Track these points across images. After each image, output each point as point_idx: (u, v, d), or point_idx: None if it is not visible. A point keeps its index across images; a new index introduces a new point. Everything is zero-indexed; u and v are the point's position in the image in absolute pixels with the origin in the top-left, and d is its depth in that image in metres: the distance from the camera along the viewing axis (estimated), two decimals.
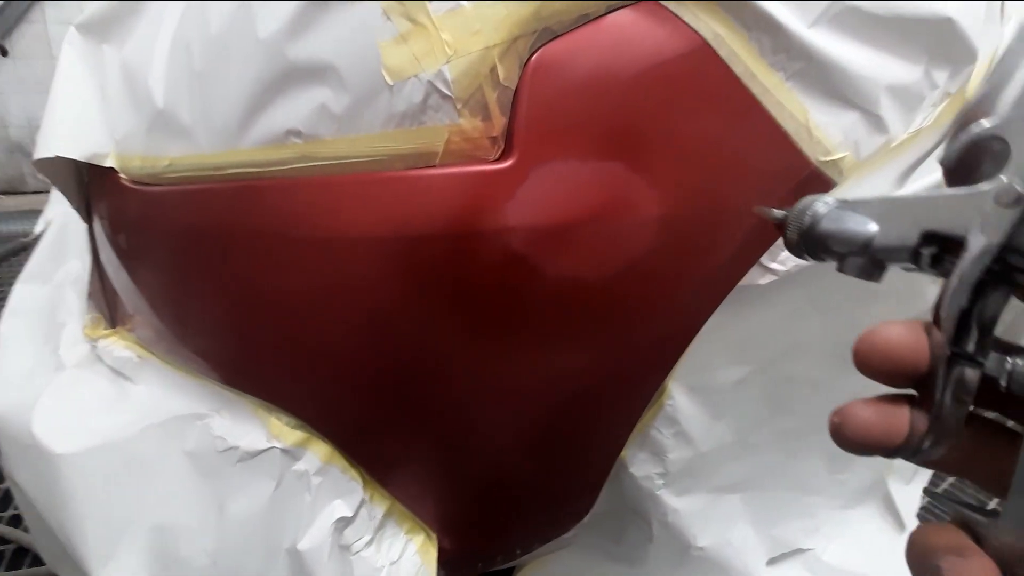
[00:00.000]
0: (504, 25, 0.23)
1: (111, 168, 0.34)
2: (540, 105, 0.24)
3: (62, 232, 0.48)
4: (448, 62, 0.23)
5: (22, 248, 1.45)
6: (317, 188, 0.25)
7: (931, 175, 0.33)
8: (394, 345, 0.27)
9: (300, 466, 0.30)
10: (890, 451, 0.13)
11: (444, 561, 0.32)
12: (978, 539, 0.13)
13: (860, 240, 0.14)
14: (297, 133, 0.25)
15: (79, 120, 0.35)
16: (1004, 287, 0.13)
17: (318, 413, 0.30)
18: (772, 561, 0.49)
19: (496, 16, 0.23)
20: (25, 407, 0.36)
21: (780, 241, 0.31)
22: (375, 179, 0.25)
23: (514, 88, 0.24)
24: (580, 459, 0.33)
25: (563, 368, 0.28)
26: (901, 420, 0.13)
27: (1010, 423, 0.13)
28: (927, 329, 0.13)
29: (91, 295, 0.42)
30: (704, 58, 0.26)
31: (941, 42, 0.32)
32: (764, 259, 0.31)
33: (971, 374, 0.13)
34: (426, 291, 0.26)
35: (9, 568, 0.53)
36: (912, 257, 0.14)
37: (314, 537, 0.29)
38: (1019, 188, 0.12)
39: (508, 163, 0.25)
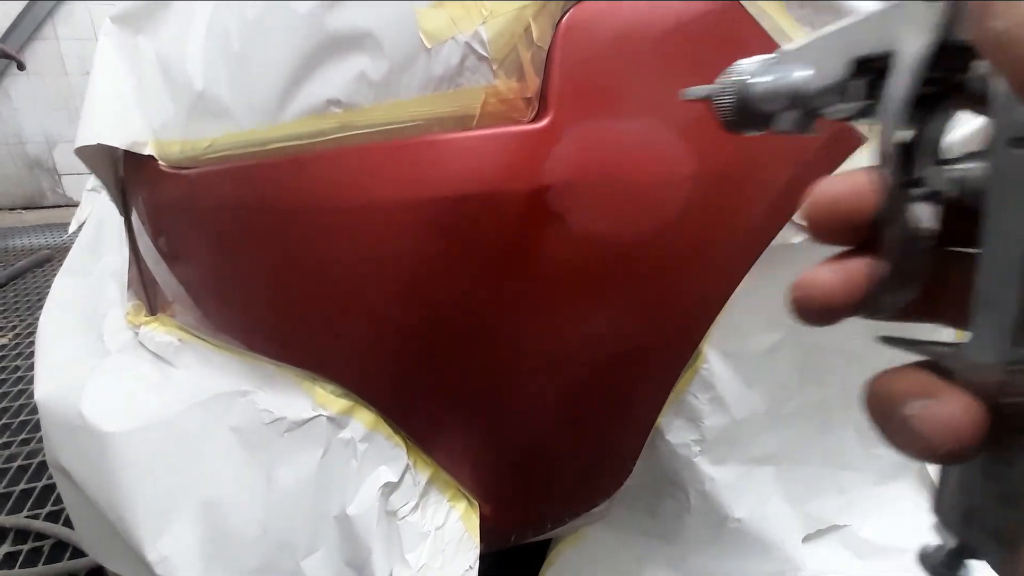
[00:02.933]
0: None
1: (149, 157, 0.35)
2: (573, 64, 0.25)
3: (99, 228, 0.49)
4: (484, 23, 0.23)
5: (46, 260, 1.49)
6: (358, 156, 0.26)
7: None
8: (436, 307, 0.27)
9: (346, 433, 0.30)
10: (855, 308, 0.12)
11: (482, 529, 0.33)
12: (949, 376, 0.11)
13: (791, 88, 0.12)
14: (337, 103, 0.26)
15: (117, 110, 0.36)
16: (945, 101, 0.11)
17: (363, 379, 0.30)
18: (808, 538, 0.49)
19: None
20: (73, 391, 0.37)
21: None
22: (414, 144, 0.25)
23: (548, 48, 0.25)
24: (617, 423, 0.33)
25: (600, 329, 0.29)
26: (860, 271, 0.11)
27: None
28: (869, 172, 0.11)
29: (130, 284, 0.43)
30: (732, 14, 0.26)
31: None
32: (797, 216, 0.31)
33: (925, 205, 0.11)
34: (467, 251, 0.26)
35: (48, 562, 0.54)
36: (842, 93, 0.12)
37: (362, 502, 0.29)
38: None
39: (543, 123, 0.25)
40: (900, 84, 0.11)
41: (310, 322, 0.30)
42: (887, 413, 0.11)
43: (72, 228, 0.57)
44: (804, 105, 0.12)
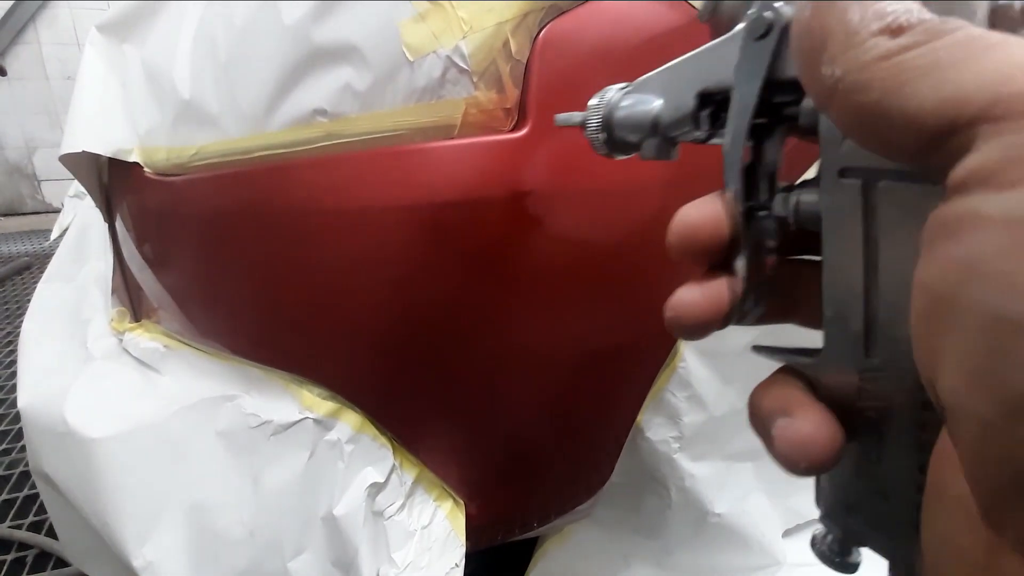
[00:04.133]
0: (515, 2, 0.25)
1: (135, 164, 0.36)
2: (550, 76, 0.26)
3: (82, 234, 0.49)
4: (464, 37, 0.25)
5: (26, 267, 1.46)
6: (343, 164, 0.27)
7: None
8: (420, 311, 0.28)
9: (332, 435, 0.31)
10: (722, 322, 0.13)
11: (468, 528, 0.33)
12: (812, 384, 0.12)
13: (648, 120, 0.13)
14: (323, 112, 0.27)
15: (102, 117, 0.36)
16: (779, 128, 0.12)
17: (349, 382, 0.31)
18: (788, 532, 0.50)
19: None
20: (56, 397, 0.37)
21: None
22: (398, 152, 0.26)
23: (526, 61, 0.26)
24: (599, 422, 0.34)
25: (581, 330, 0.30)
26: (722, 290, 0.13)
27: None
28: (720, 196, 0.13)
29: (114, 291, 0.43)
30: (701, 29, 0.27)
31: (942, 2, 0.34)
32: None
33: (769, 224, 0.13)
34: (449, 256, 0.27)
35: (31, 572, 0.53)
36: (694, 122, 0.13)
37: (349, 503, 0.30)
38: (767, 15, 0.11)
39: (522, 132, 0.26)
40: (738, 119, 0.12)
41: (296, 326, 0.31)
42: (762, 430, 0.12)
43: (54, 234, 0.56)
44: (661, 134, 0.14)
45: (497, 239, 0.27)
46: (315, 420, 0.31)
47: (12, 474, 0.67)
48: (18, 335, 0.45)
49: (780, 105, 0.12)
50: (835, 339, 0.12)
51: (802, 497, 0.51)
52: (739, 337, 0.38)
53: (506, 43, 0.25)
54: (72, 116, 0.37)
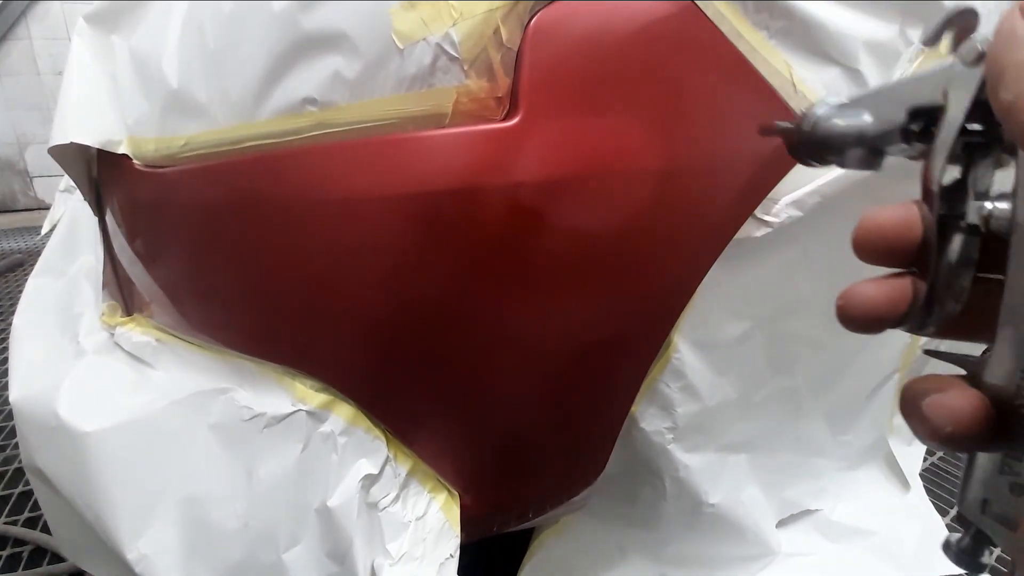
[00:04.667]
0: None
1: (124, 156, 0.35)
2: (541, 65, 0.26)
3: (72, 228, 0.49)
4: (455, 24, 0.24)
5: (18, 264, 1.45)
6: (333, 153, 0.27)
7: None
8: (412, 300, 0.28)
9: (326, 428, 0.31)
10: (896, 321, 0.13)
11: (463, 520, 0.33)
12: (977, 384, 0.13)
13: (856, 131, 0.15)
14: (312, 101, 0.26)
15: (91, 109, 0.36)
16: (993, 151, 0.13)
17: (342, 374, 0.31)
18: (782, 523, 0.51)
19: None
20: (49, 392, 0.36)
21: (772, 194, 0.33)
22: (389, 141, 0.26)
23: (517, 49, 0.25)
24: (593, 412, 0.34)
25: (574, 320, 0.30)
26: (904, 290, 0.13)
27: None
28: (918, 204, 0.13)
29: (106, 285, 0.43)
30: (692, 18, 0.27)
31: (915, 2, 0.34)
32: (758, 212, 0.33)
33: (969, 238, 0.13)
34: (440, 246, 0.27)
35: (27, 568, 0.53)
36: (904, 136, 0.14)
37: (343, 495, 0.30)
38: (979, 46, 0.12)
39: (514, 121, 0.26)
40: (945, 136, 0.13)
41: (289, 318, 0.31)
42: (911, 407, 0.13)
43: (45, 229, 0.56)
44: (868, 144, 0.15)
45: (489, 228, 0.26)
46: (308, 412, 0.31)
47: (7, 470, 0.66)
48: (10, 331, 0.45)
49: (988, 127, 0.13)
50: (1005, 339, 0.12)
51: (796, 489, 0.51)
52: (732, 328, 0.38)
53: (497, 31, 0.25)
54: (61, 108, 0.37)
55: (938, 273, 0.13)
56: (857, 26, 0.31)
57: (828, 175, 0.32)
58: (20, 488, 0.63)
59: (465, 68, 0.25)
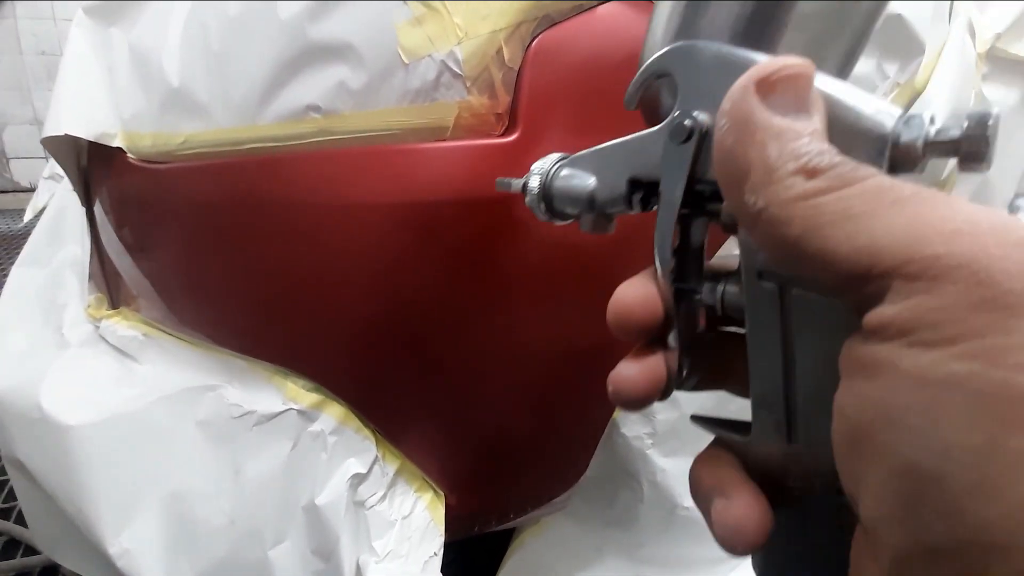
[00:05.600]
0: (510, 11, 0.26)
1: (117, 150, 0.35)
2: (541, 85, 0.27)
3: (58, 217, 0.48)
4: (459, 43, 0.25)
5: None
6: (335, 160, 0.27)
7: None
8: (405, 306, 0.29)
9: (316, 427, 0.31)
10: (660, 395, 0.14)
11: (447, 519, 0.34)
12: (747, 461, 0.13)
13: (584, 197, 0.15)
14: (316, 108, 0.27)
15: (87, 101, 0.36)
16: (703, 216, 0.13)
17: (334, 374, 0.31)
18: None
19: (503, 3, 0.25)
20: (31, 384, 0.36)
21: None
22: (390, 151, 0.27)
23: (517, 69, 0.26)
24: (577, 417, 0.35)
25: (560, 327, 0.31)
26: (659, 367, 0.14)
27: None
28: (653, 277, 0.14)
29: (92, 277, 0.43)
30: None
31: (892, 37, 0.36)
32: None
33: (699, 304, 0.14)
34: (436, 254, 0.28)
35: (1, 559, 0.52)
36: (627, 204, 0.14)
37: (331, 493, 0.30)
38: (687, 123, 0.12)
39: (512, 137, 0.27)
40: (665, 212, 0.13)
41: (282, 319, 0.31)
42: (703, 506, 0.13)
43: (28, 216, 0.55)
44: (597, 210, 0.15)
45: (482, 239, 0.27)
46: (299, 411, 0.31)
47: None
48: None
49: (703, 198, 0.13)
50: (761, 423, 0.12)
51: None
52: None
53: (499, 51, 0.26)
54: (56, 98, 0.37)
55: (682, 343, 0.14)
56: None
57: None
58: None
59: (467, 85, 0.26)
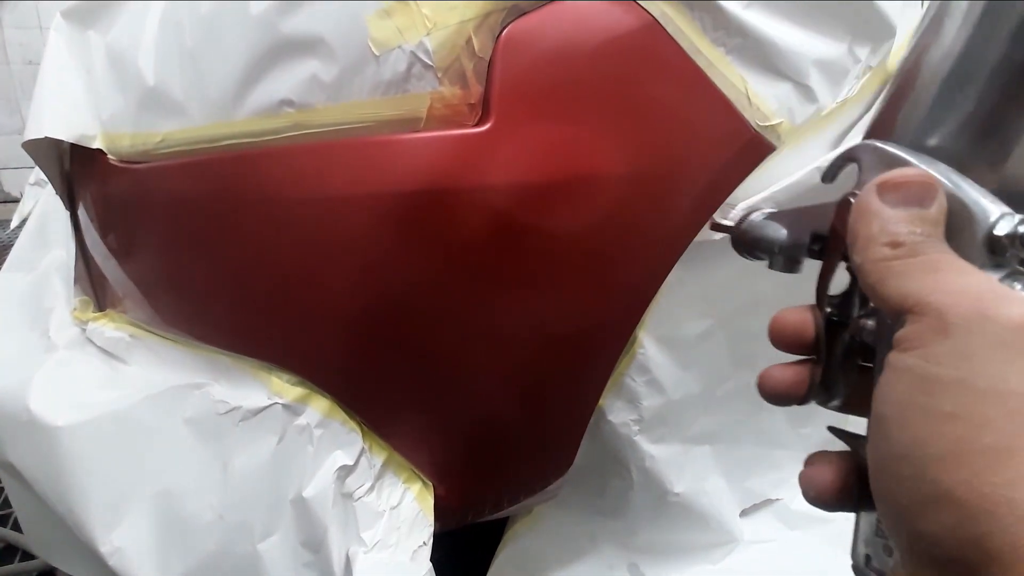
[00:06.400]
0: (478, 1, 0.26)
1: (98, 151, 0.35)
2: (512, 74, 0.27)
3: (43, 223, 0.48)
4: (428, 34, 0.25)
5: None
6: (310, 153, 0.28)
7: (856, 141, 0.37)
8: (385, 296, 0.29)
9: (302, 420, 0.31)
10: (800, 399, 0.18)
11: (437, 509, 0.35)
12: (858, 458, 0.16)
13: (775, 244, 0.19)
14: (290, 103, 0.27)
15: (66, 104, 0.36)
16: None
17: (318, 368, 0.32)
18: (745, 512, 0.53)
19: None
20: (19, 386, 0.36)
21: (730, 199, 0.35)
22: (364, 143, 0.27)
23: (488, 59, 0.27)
24: (562, 406, 0.36)
25: (542, 316, 0.31)
26: (803, 376, 0.17)
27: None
28: (813, 309, 0.17)
29: (77, 280, 0.43)
30: (654, 34, 0.29)
31: (863, 21, 0.36)
32: (716, 216, 0.35)
33: (850, 337, 0.17)
34: (413, 244, 0.28)
35: None
36: (809, 252, 0.18)
37: (318, 485, 0.31)
38: (851, 199, 0.16)
39: (485, 127, 0.27)
40: (829, 265, 0.17)
41: (264, 314, 0.31)
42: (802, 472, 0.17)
43: (14, 223, 0.55)
44: (785, 254, 0.19)
45: (460, 228, 0.28)
46: (284, 405, 0.32)
47: None
48: None
49: None
50: None
51: (758, 479, 0.54)
52: (695, 325, 0.40)
53: (469, 41, 0.26)
54: (35, 102, 0.37)
55: (828, 366, 0.17)
56: (807, 44, 0.33)
57: (780, 183, 0.34)
58: None
59: (439, 75, 0.26)
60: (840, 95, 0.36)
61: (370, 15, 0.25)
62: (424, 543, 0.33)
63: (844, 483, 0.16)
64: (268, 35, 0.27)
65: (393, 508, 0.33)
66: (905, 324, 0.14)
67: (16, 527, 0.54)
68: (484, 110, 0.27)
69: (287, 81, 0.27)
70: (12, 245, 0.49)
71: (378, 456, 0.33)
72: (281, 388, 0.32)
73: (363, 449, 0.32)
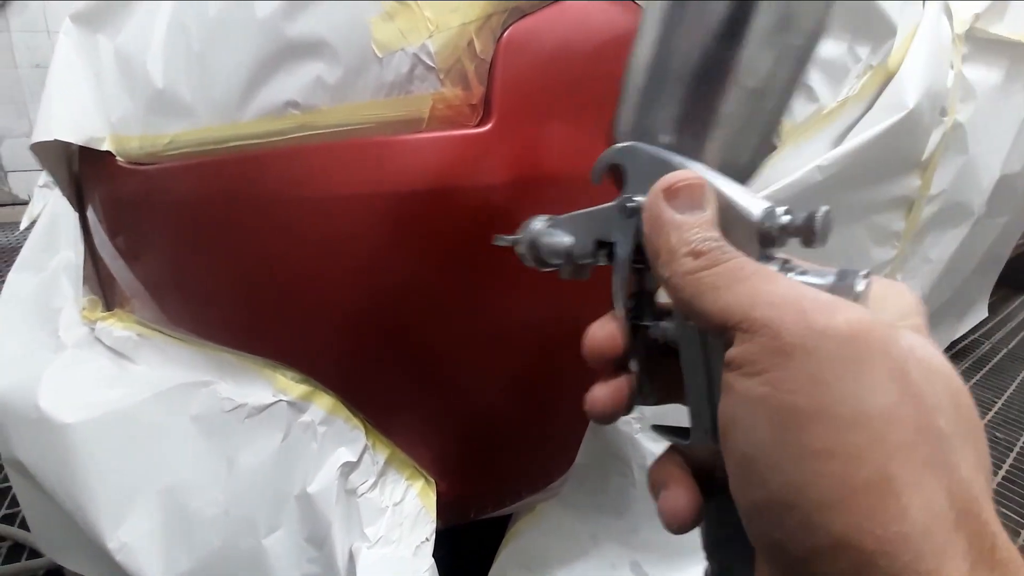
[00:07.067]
0: (479, 4, 0.26)
1: (107, 153, 0.36)
2: (513, 75, 0.27)
3: (52, 224, 0.49)
4: (430, 36, 0.26)
5: None
6: (315, 154, 0.28)
7: (857, 139, 0.37)
8: (389, 294, 0.29)
9: (306, 417, 0.32)
10: (625, 410, 0.18)
11: (440, 506, 0.35)
12: (685, 454, 0.17)
13: (563, 252, 0.19)
14: (295, 104, 0.28)
15: (75, 107, 0.37)
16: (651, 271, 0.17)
17: (322, 365, 0.32)
18: None
19: None
20: (29, 385, 0.37)
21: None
22: (368, 144, 0.27)
23: (490, 60, 0.27)
24: (563, 402, 0.36)
25: (541, 314, 0.32)
26: (623, 388, 0.17)
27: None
28: (614, 317, 0.17)
29: (86, 280, 0.43)
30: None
31: (863, 20, 0.36)
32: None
33: (650, 337, 0.17)
34: (416, 243, 0.28)
35: (5, 563, 0.53)
36: (595, 258, 0.18)
37: (322, 481, 0.31)
38: (630, 204, 0.16)
39: (487, 127, 0.28)
40: (620, 267, 0.17)
41: (270, 312, 0.32)
42: (654, 497, 0.17)
43: (23, 224, 0.56)
44: (574, 262, 0.19)
45: (462, 227, 0.28)
46: (289, 403, 0.32)
47: None
48: None
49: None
50: (695, 429, 0.16)
51: None
52: None
53: (471, 43, 0.27)
54: (44, 105, 0.37)
55: (639, 368, 0.18)
56: None
57: (780, 182, 0.34)
58: None
59: (441, 77, 0.27)
60: (841, 94, 0.36)
61: (373, 18, 0.26)
62: (427, 539, 0.33)
63: (697, 495, 0.16)
64: (273, 38, 0.27)
65: (396, 504, 0.33)
66: (735, 341, 0.13)
67: (23, 525, 0.55)
68: (485, 110, 0.28)
69: (292, 83, 0.27)
70: (21, 247, 0.50)
71: (381, 453, 0.33)
72: (286, 385, 0.32)
73: (366, 446, 0.33)
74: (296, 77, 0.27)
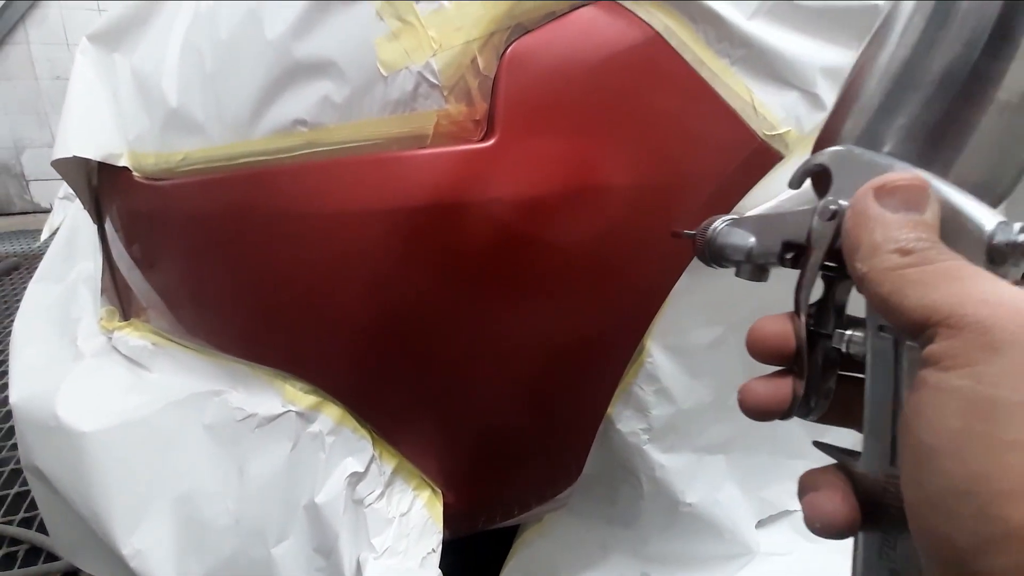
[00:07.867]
0: (482, 22, 0.27)
1: (124, 169, 0.37)
2: (516, 91, 0.28)
3: (72, 235, 0.50)
4: (434, 55, 0.26)
5: (14, 268, 1.45)
6: (322, 170, 0.29)
7: None
8: (396, 307, 0.30)
9: (314, 427, 0.32)
10: (783, 414, 0.17)
11: (448, 516, 0.35)
12: (852, 477, 0.16)
13: (743, 251, 0.18)
14: (303, 122, 0.28)
15: (93, 124, 0.38)
16: (846, 279, 0.16)
17: (330, 377, 0.32)
18: (762, 523, 0.52)
19: (475, 14, 0.27)
20: (47, 393, 0.38)
21: (737, 208, 0.35)
22: (374, 160, 0.28)
23: (493, 77, 0.27)
24: (570, 414, 0.36)
25: (549, 326, 0.32)
26: (785, 390, 0.16)
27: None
28: (792, 318, 0.16)
29: (104, 290, 0.45)
30: (657, 48, 0.29)
31: (870, 27, 0.36)
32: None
33: (830, 348, 0.16)
34: (422, 257, 0.29)
35: (23, 566, 0.54)
36: (780, 261, 0.17)
37: (330, 492, 0.31)
38: (833, 207, 0.16)
39: (490, 143, 0.28)
40: (810, 271, 0.16)
41: (280, 324, 0.32)
42: (800, 496, 0.16)
43: (44, 235, 0.57)
44: (753, 262, 0.18)
45: (468, 241, 0.28)
46: (298, 413, 0.32)
47: (3, 471, 0.67)
48: (8, 334, 0.46)
49: (843, 265, 0.16)
50: (870, 449, 0.15)
51: (774, 489, 0.53)
52: (704, 333, 0.40)
53: (474, 60, 0.27)
54: (64, 122, 0.39)
55: (809, 378, 0.16)
56: (814, 53, 0.33)
57: (787, 192, 0.34)
58: (16, 489, 0.64)
59: (445, 94, 0.27)
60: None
61: (379, 38, 0.26)
62: (433, 550, 0.33)
63: (852, 507, 0.15)
64: (282, 59, 0.28)
65: (403, 515, 0.33)
66: (936, 339, 0.13)
67: (41, 529, 0.56)
68: (489, 126, 0.28)
69: (300, 102, 0.28)
70: (42, 255, 0.51)
71: (388, 463, 0.34)
72: (295, 396, 0.33)
73: (373, 456, 0.33)
74: (304, 96, 0.28)
